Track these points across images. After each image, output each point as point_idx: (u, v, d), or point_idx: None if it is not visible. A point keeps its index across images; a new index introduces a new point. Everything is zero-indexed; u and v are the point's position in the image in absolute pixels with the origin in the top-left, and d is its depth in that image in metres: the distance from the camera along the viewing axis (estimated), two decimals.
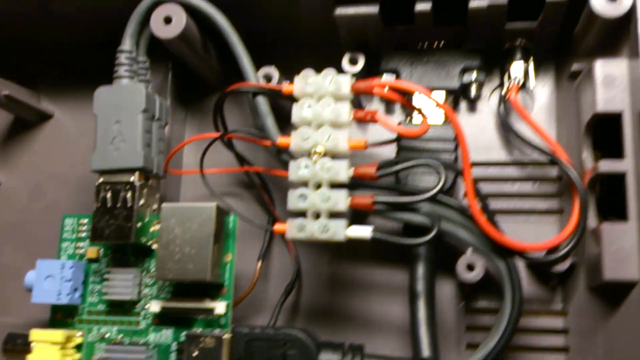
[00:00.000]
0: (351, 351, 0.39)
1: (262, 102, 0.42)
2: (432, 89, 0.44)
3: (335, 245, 0.41)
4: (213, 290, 0.40)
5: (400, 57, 0.45)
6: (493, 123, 0.47)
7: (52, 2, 0.46)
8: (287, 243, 0.47)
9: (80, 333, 0.41)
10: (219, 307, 0.40)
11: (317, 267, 0.47)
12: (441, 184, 0.38)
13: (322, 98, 0.39)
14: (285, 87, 0.40)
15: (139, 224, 0.41)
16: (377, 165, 0.39)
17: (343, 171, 0.38)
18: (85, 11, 0.46)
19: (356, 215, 0.43)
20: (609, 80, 0.39)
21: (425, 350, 0.40)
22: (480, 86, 0.45)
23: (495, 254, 0.39)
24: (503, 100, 0.45)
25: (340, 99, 0.39)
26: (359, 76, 0.45)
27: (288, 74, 0.43)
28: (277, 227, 0.39)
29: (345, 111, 0.39)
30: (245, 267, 0.45)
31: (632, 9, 0.38)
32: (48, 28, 0.48)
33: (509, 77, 0.45)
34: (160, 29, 0.42)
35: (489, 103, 0.47)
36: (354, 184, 0.40)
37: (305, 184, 0.39)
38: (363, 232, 0.38)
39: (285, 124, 0.41)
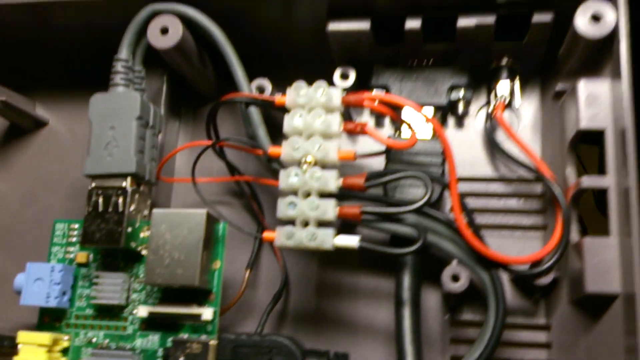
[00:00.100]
0: (336, 359, 0.39)
1: (255, 112, 0.43)
2: (421, 105, 0.45)
3: (324, 254, 0.42)
4: (201, 296, 0.41)
5: (390, 73, 0.47)
6: (480, 139, 0.48)
7: (51, 13, 0.47)
8: (275, 252, 0.47)
9: (67, 337, 0.42)
10: (206, 313, 0.40)
11: (305, 275, 0.47)
12: (428, 195, 0.39)
13: (313, 109, 0.40)
14: (278, 98, 0.41)
15: (130, 229, 0.41)
16: (365, 176, 0.40)
17: (332, 181, 0.39)
18: (82, 22, 0.47)
19: (344, 226, 0.44)
20: (592, 99, 0.40)
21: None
22: (467, 103, 0.47)
23: (479, 266, 0.40)
24: (489, 117, 0.46)
25: (331, 111, 0.40)
26: (349, 91, 0.46)
27: (280, 86, 0.44)
28: (266, 234, 0.40)
29: (335, 122, 0.40)
30: (233, 274, 0.46)
31: (615, 30, 0.39)
32: (45, 37, 0.49)
33: (496, 96, 0.46)
34: (157, 39, 0.43)
35: (476, 120, 0.48)
36: (343, 195, 0.40)
37: (294, 192, 0.39)
38: (350, 241, 0.39)
39: (276, 135, 0.42)
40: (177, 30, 0.43)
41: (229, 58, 0.44)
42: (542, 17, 0.42)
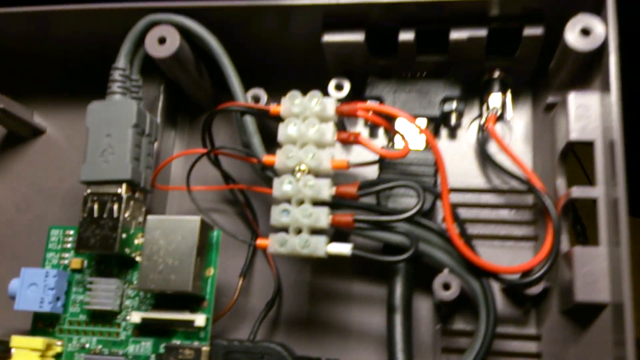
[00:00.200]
0: None
1: (250, 121, 0.43)
2: (414, 116, 0.46)
3: (317, 261, 0.42)
4: (194, 303, 0.41)
5: (384, 85, 0.47)
6: (472, 151, 0.48)
7: (50, 23, 0.47)
8: (268, 260, 0.48)
9: (60, 342, 0.42)
10: (199, 319, 0.40)
11: (298, 282, 0.48)
12: (420, 204, 0.39)
13: (307, 118, 0.40)
14: (273, 107, 0.41)
15: (124, 236, 0.42)
16: (358, 185, 0.40)
17: (325, 189, 0.40)
18: (81, 32, 0.48)
19: (337, 236, 0.44)
20: (582, 111, 0.41)
21: None
22: (460, 115, 0.47)
23: (471, 275, 0.40)
24: (481, 129, 0.47)
25: (325, 120, 0.40)
26: (344, 102, 0.47)
27: (275, 97, 0.45)
28: (259, 242, 0.40)
29: (329, 131, 0.40)
30: (227, 282, 0.46)
31: (604, 43, 0.40)
32: (44, 46, 0.50)
33: (488, 108, 0.47)
34: (154, 49, 0.44)
35: (468, 132, 0.49)
36: (335, 204, 0.41)
37: (288, 200, 0.40)
38: (343, 249, 0.39)
39: (269, 144, 0.43)
40: (174, 40, 0.44)
41: (225, 68, 0.44)
42: (533, 31, 0.43)
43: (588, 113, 0.41)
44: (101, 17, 0.45)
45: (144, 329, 0.41)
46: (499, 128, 0.47)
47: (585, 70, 0.42)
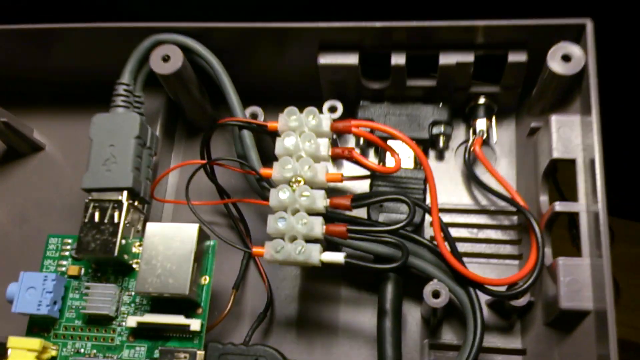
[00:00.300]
0: None
1: (247, 136, 0.45)
2: None
3: (309, 270, 0.43)
4: (189, 310, 0.42)
5: (376, 108, 0.49)
6: (459, 172, 0.50)
7: (55, 43, 0.49)
8: (261, 273, 0.49)
9: (55, 347, 0.42)
10: (195, 323, 0.41)
11: (290, 287, 0.49)
12: (410, 216, 0.41)
13: (303, 133, 0.42)
14: (271, 123, 0.43)
15: (123, 242, 0.42)
16: (351, 197, 0.42)
17: (320, 199, 0.41)
18: (85, 53, 0.50)
19: (329, 248, 0.46)
20: (564, 131, 0.43)
21: None
22: (447, 138, 0.50)
23: (458, 286, 0.42)
24: (468, 152, 0.49)
25: (321, 135, 0.42)
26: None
27: (271, 117, 0.47)
28: (255, 249, 0.42)
29: (324, 145, 0.42)
30: (221, 291, 0.47)
31: (585, 67, 0.43)
32: (47, 70, 0.52)
33: (474, 132, 0.49)
34: (158, 66, 0.46)
35: (455, 154, 0.51)
36: (329, 217, 0.42)
37: (284, 209, 0.41)
38: (336, 257, 0.41)
39: (265, 161, 0.45)
40: (177, 59, 0.46)
41: (225, 85, 0.46)
42: (517, 57, 0.45)
43: (569, 133, 0.43)
44: (108, 36, 0.47)
45: (138, 334, 0.42)
46: (484, 151, 0.49)
47: (567, 93, 0.45)
